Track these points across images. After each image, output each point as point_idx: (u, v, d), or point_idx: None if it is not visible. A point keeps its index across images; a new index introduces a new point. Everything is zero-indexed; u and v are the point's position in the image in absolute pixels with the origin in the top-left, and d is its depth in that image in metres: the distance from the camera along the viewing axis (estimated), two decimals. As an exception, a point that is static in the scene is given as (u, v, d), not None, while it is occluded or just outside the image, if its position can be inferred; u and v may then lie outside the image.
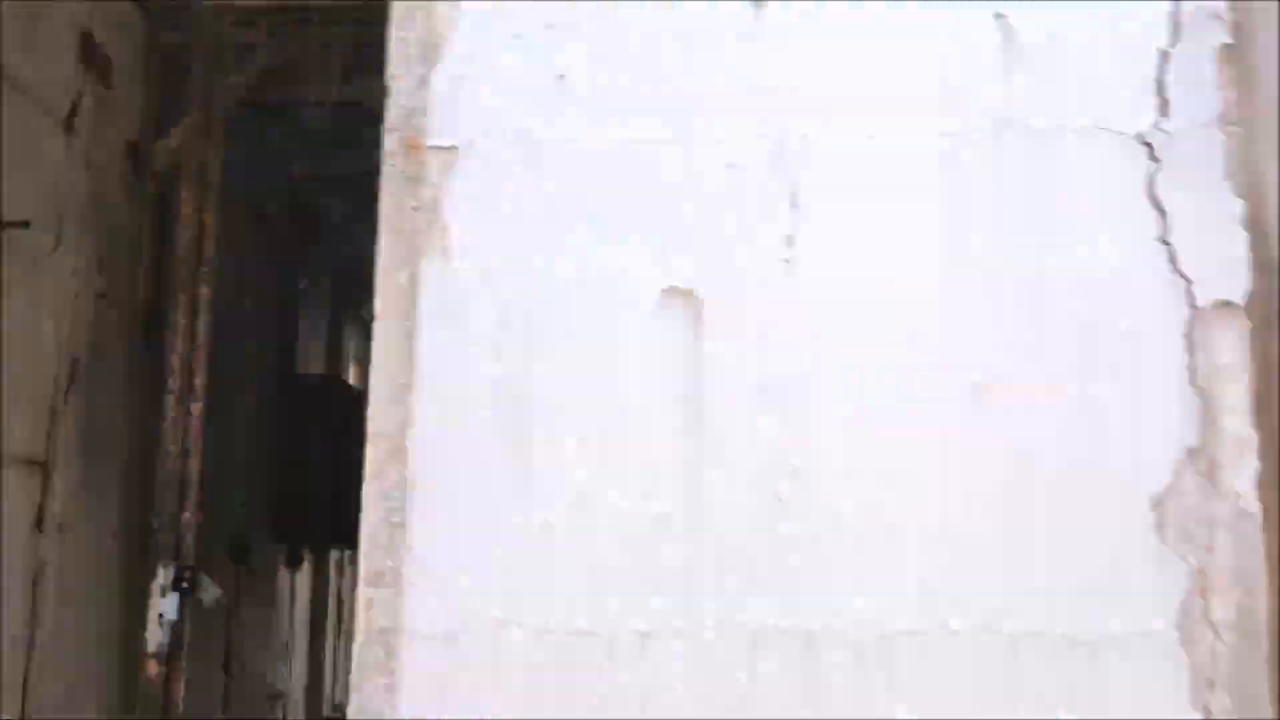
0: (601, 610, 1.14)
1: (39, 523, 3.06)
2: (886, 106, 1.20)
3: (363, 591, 1.15)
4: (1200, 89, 1.18)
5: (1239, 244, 1.15)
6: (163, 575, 2.68)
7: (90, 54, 2.86)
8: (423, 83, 1.21)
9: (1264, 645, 1.09)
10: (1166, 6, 1.19)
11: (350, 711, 1.15)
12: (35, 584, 3.07)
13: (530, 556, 1.15)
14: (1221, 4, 1.19)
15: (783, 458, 1.15)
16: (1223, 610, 1.10)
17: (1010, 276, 1.17)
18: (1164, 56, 1.19)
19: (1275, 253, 1.19)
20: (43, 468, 3.03)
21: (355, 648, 1.15)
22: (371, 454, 1.17)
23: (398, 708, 1.14)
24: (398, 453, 1.17)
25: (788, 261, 1.18)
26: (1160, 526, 1.12)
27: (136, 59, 2.97)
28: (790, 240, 1.19)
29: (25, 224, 2.52)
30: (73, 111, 2.78)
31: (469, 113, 1.21)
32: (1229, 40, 1.18)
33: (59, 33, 2.72)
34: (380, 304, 1.19)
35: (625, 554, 1.15)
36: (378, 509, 1.16)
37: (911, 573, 1.14)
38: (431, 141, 1.20)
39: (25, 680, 3.05)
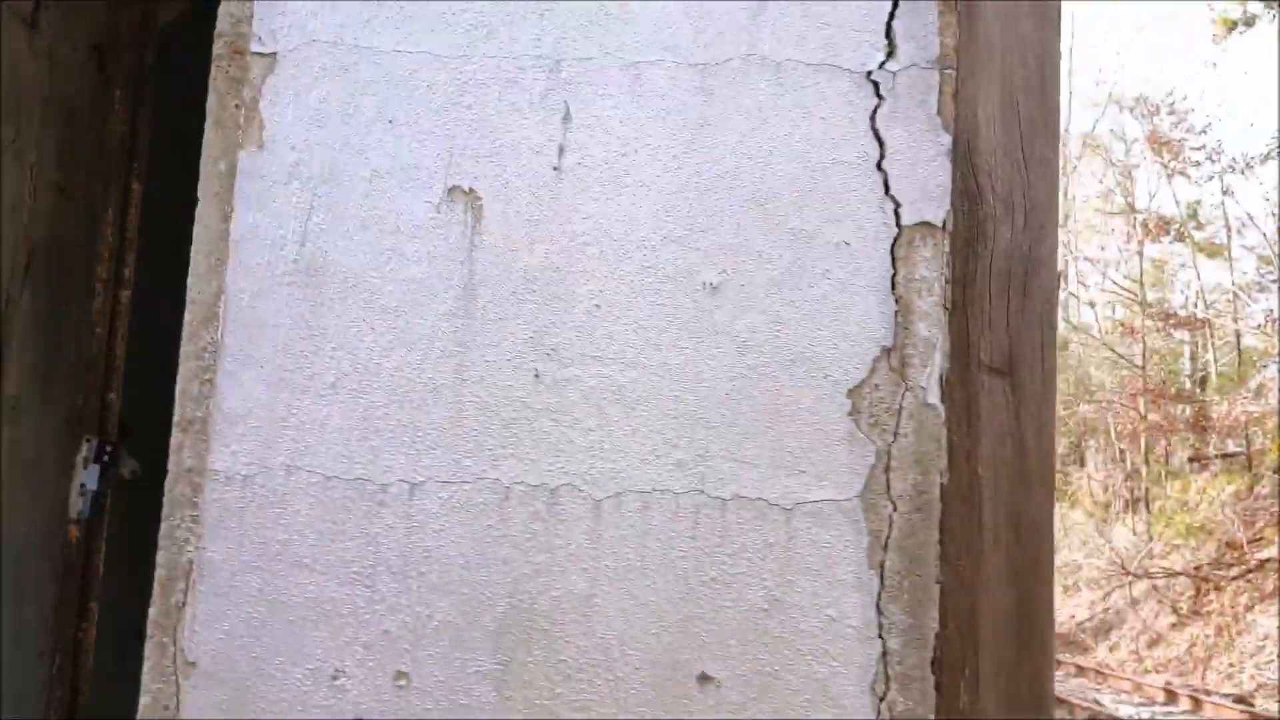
0: (376, 462, 1.33)
1: (-12, 401, 3.30)
2: (652, 43, 1.37)
3: (175, 437, 1.35)
4: (924, 34, 1.35)
5: (943, 174, 1.32)
6: (86, 449, 2.89)
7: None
8: (250, -6, 1.38)
9: (934, 516, 1.29)
10: (902, -41, 1.36)
11: (161, 538, 1.35)
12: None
13: (318, 412, 1.34)
14: (950, -41, 1.35)
15: (540, 339, 1.34)
16: (901, 485, 1.29)
17: (747, 192, 1.35)
18: (895, 4, 1.36)
19: (976, 182, 1.37)
20: (-1, 354, 3.26)
21: (166, 485, 1.35)
22: (188, 318, 1.36)
23: (201, 537, 1.34)
24: (211, 319, 1.36)
25: (556, 169, 1.36)
26: (855, 413, 1.31)
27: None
28: (561, 150, 1.36)
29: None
30: (36, 8, 2.95)
31: (292, 23, 1.38)
32: (954, -8, 1.35)
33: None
34: (202, 188, 1.37)
35: (401, 414, 1.34)
36: (191, 366, 1.35)
37: (644, 442, 1.33)
38: (254, 48, 1.38)
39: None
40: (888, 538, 1.28)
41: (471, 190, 1.36)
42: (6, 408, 3.03)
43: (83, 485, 2.90)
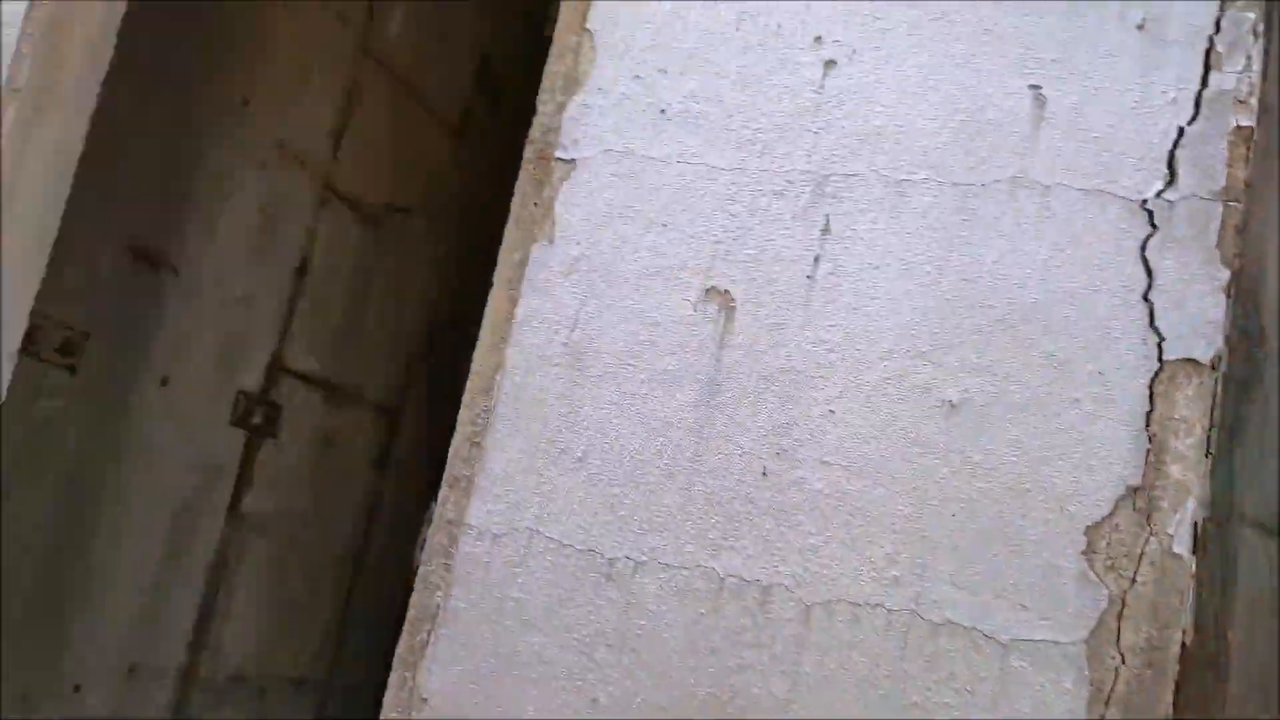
0: (607, 536, 1.41)
1: (381, 462, 3.79)
2: (919, 163, 1.40)
3: (442, 491, 1.50)
4: (1209, 164, 1.27)
5: (1217, 310, 1.23)
6: (431, 507, 3.21)
7: (486, 73, 3.55)
8: (560, 108, 1.55)
9: (1169, 675, 1.17)
10: (1193, 88, 1.30)
11: (416, 581, 1.50)
12: (370, 516, 3.77)
13: (563, 482, 1.44)
14: (1246, 88, 1.27)
15: (773, 438, 1.37)
16: (1133, 637, 1.19)
17: (999, 313, 1.32)
18: (1180, 132, 1.29)
19: (1259, 322, 1.25)
20: (393, 414, 3.76)
21: (429, 533, 1.50)
22: (469, 386, 1.52)
23: (450, 585, 1.47)
24: (488, 389, 1.51)
25: (809, 278, 1.40)
26: (1090, 552, 1.22)
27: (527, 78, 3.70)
28: (816, 260, 1.41)
29: (407, 210, 3.20)
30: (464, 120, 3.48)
31: (592, 135, 1.54)
32: (1246, 122, 1.27)
33: (460, 52, 3.45)
34: (497, 275, 1.54)
35: (635, 494, 1.41)
36: (465, 429, 1.51)
37: (862, 553, 1.31)
38: (558, 155, 1.54)
39: (349, 597, 3.74)
40: (1111, 691, 1.17)
41: (726, 292, 1.43)
42: (391, 467, 3.46)
43: (422, 539, 3.21)
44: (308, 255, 3.66)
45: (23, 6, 1.81)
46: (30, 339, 2.85)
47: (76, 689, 3.22)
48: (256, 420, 3.64)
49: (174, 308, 3.30)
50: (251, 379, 3.63)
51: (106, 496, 3.14)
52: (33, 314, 2.70)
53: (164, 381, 3.36)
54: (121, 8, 1.99)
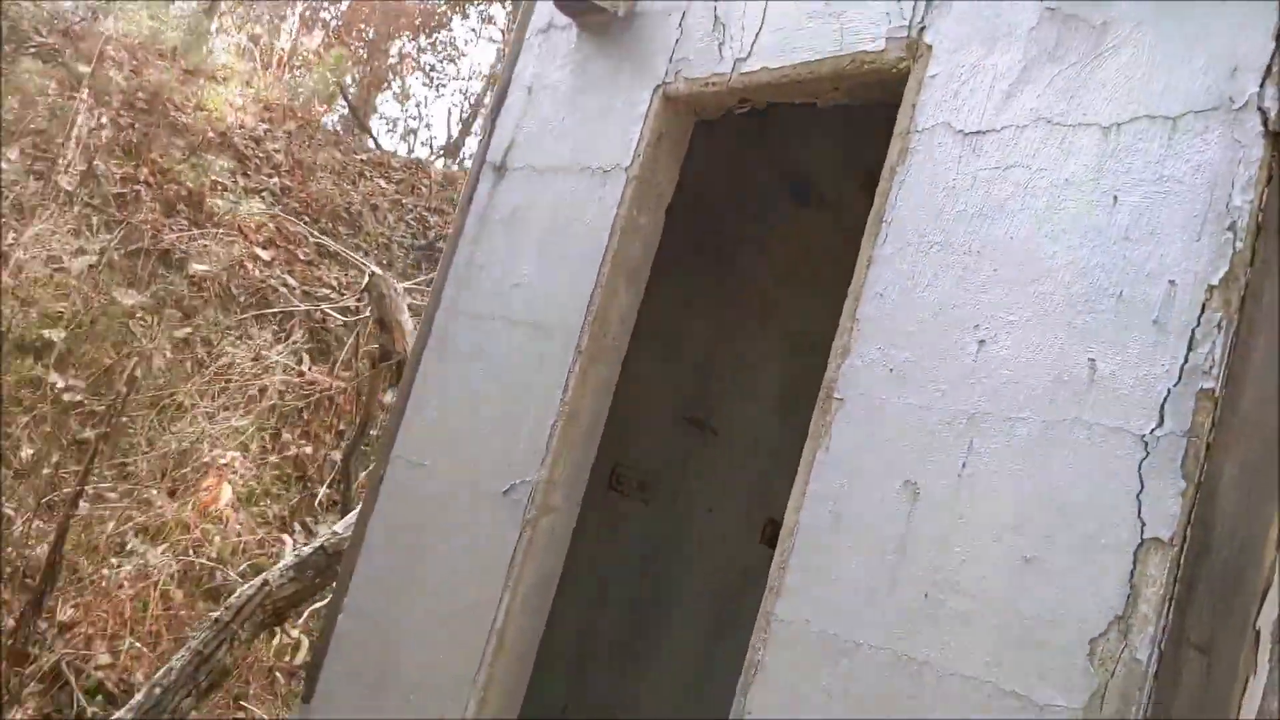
0: (861, 622, 2.39)
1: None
2: (1024, 402, 2.24)
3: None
4: (1184, 413, 1.99)
5: (1176, 508, 1.95)
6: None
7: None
8: (838, 367, 2.60)
9: (1125, 737, 1.90)
10: (1179, 364, 2.03)
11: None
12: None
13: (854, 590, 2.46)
14: (1209, 364, 1.97)
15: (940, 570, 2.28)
16: (1109, 711, 1.94)
17: (1060, 510, 2.13)
18: (1168, 392, 2.02)
19: (1213, 516, 1.93)
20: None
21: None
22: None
23: (767, 645, 2.54)
24: (796, 535, 2.58)
25: (958, 476, 2.30)
26: (1090, 654, 1.99)
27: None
28: (963, 465, 2.30)
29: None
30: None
31: (852, 384, 2.57)
32: (1209, 386, 1.97)
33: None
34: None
35: (867, 575, 2.38)
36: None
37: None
38: (835, 395, 2.59)
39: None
40: (1092, 742, 1.94)
41: (914, 483, 2.37)
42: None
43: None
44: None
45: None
46: (616, 480, 4.37)
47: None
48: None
49: (716, 458, 4.70)
50: (777, 509, 4.90)
51: (667, 591, 4.56)
52: (617, 463, 4.20)
53: (709, 510, 4.77)
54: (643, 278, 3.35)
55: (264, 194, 9.54)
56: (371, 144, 14.21)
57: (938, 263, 2.48)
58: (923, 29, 2.72)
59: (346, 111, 14.58)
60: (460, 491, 3.51)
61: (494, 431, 3.48)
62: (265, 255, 8.49)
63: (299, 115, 11.82)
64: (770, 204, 4.80)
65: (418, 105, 22.85)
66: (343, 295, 8.87)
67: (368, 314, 6.10)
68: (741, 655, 4.88)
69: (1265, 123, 2.05)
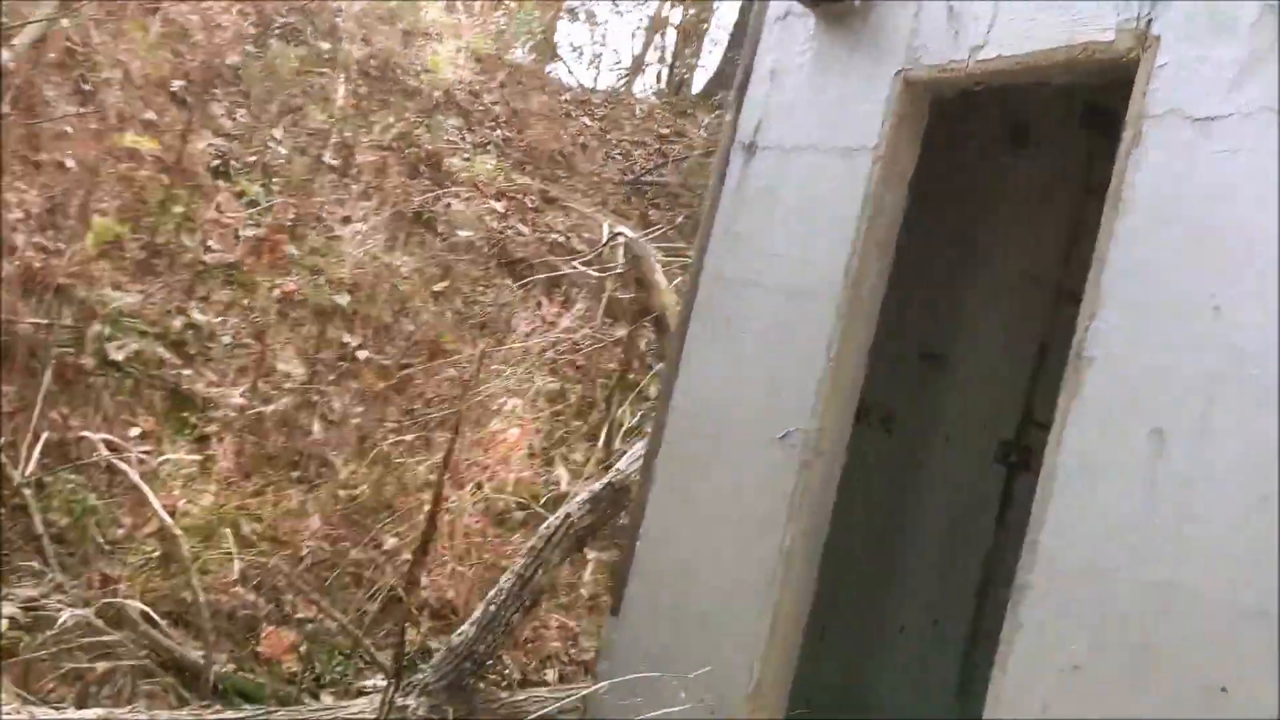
0: (1115, 550, 2.84)
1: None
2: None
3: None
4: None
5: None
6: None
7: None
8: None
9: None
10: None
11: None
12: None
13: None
14: None
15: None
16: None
17: None
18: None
19: None
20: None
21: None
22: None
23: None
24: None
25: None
26: (1323, 577, 2.40)
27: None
28: (1206, 416, 2.70)
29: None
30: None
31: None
32: None
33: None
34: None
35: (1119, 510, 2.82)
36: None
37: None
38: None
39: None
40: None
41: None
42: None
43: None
44: (1046, 341, 5.26)
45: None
46: (862, 414, 4.87)
47: (901, 629, 5.25)
48: (1013, 459, 5.34)
49: (949, 390, 5.15)
50: (1008, 431, 5.34)
51: (908, 513, 5.08)
52: (863, 398, 4.70)
53: (946, 438, 5.24)
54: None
55: (489, 147, 10.26)
56: (568, 76, 14.84)
57: (1172, 237, 2.86)
58: (1150, 21, 3.04)
59: (541, 49, 15.22)
60: (736, 437, 4.08)
61: (761, 384, 4.03)
62: (499, 207, 9.23)
63: (506, 63, 12.49)
64: (989, 147, 5.11)
65: (602, 28, 23.24)
66: (566, 238, 9.57)
67: (616, 270, 6.72)
68: (976, 570, 5.33)
69: None
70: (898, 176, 3.79)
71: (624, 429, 6.14)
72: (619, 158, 12.29)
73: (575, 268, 7.25)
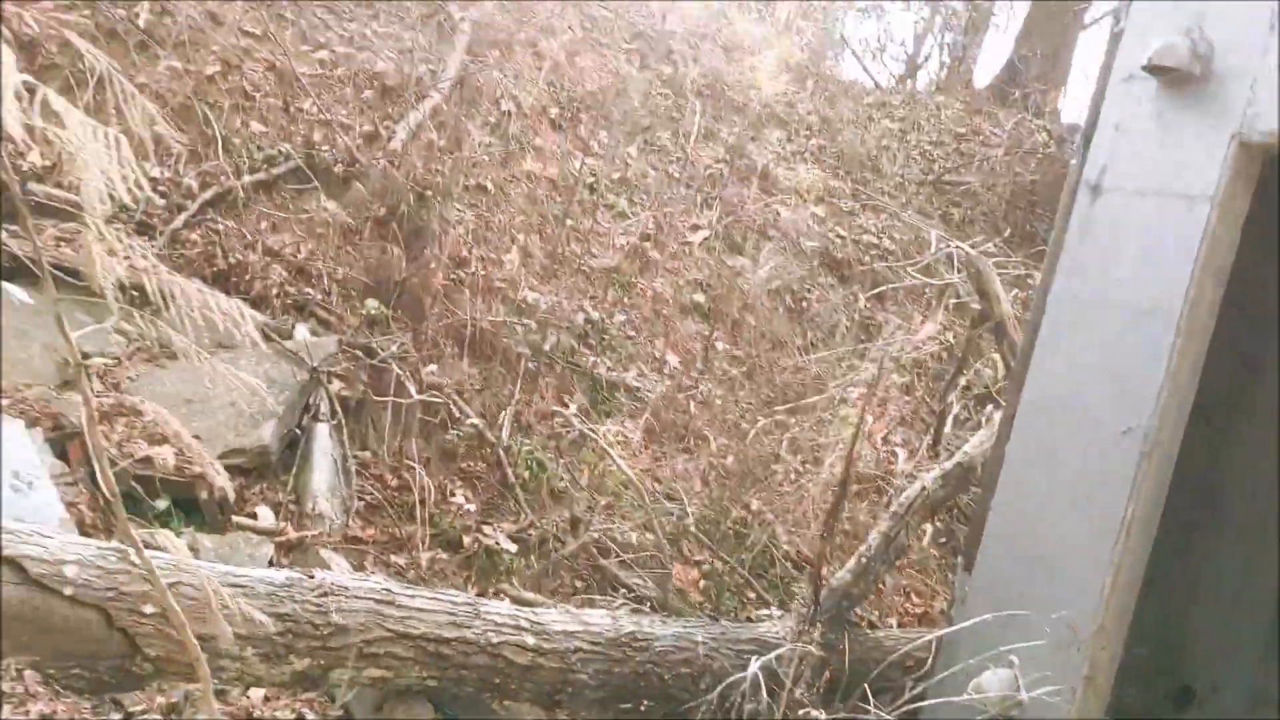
0: None
1: None
2: None
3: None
4: None
5: None
6: None
7: None
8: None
9: None
10: None
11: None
12: None
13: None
14: None
15: None
16: None
17: None
18: None
19: None
20: None
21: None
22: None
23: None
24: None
25: None
26: None
27: None
28: None
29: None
30: None
31: None
32: None
33: None
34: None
35: None
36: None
37: None
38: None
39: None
40: None
41: None
42: None
43: None
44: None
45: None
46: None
47: (1212, 591, 6.01)
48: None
49: (1259, 385, 5.87)
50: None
51: (1220, 491, 5.82)
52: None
53: (1253, 426, 5.93)
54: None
55: (805, 155, 11.36)
56: (860, 73, 15.71)
57: None
58: None
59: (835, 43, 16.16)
60: (1082, 428, 5.01)
61: (1107, 386, 4.94)
62: (820, 212, 10.32)
63: (814, 71, 13.54)
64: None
65: (887, 22, 23.80)
66: (879, 239, 10.55)
67: (955, 279, 7.66)
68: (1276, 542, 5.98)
69: None
70: (1233, 220, 4.62)
71: (953, 419, 7.10)
72: (918, 158, 13.12)
73: (912, 275, 8.23)
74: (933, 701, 5.05)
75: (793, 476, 6.92)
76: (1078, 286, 5.22)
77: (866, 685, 4.97)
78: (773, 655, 4.93)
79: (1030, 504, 5.22)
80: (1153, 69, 4.96)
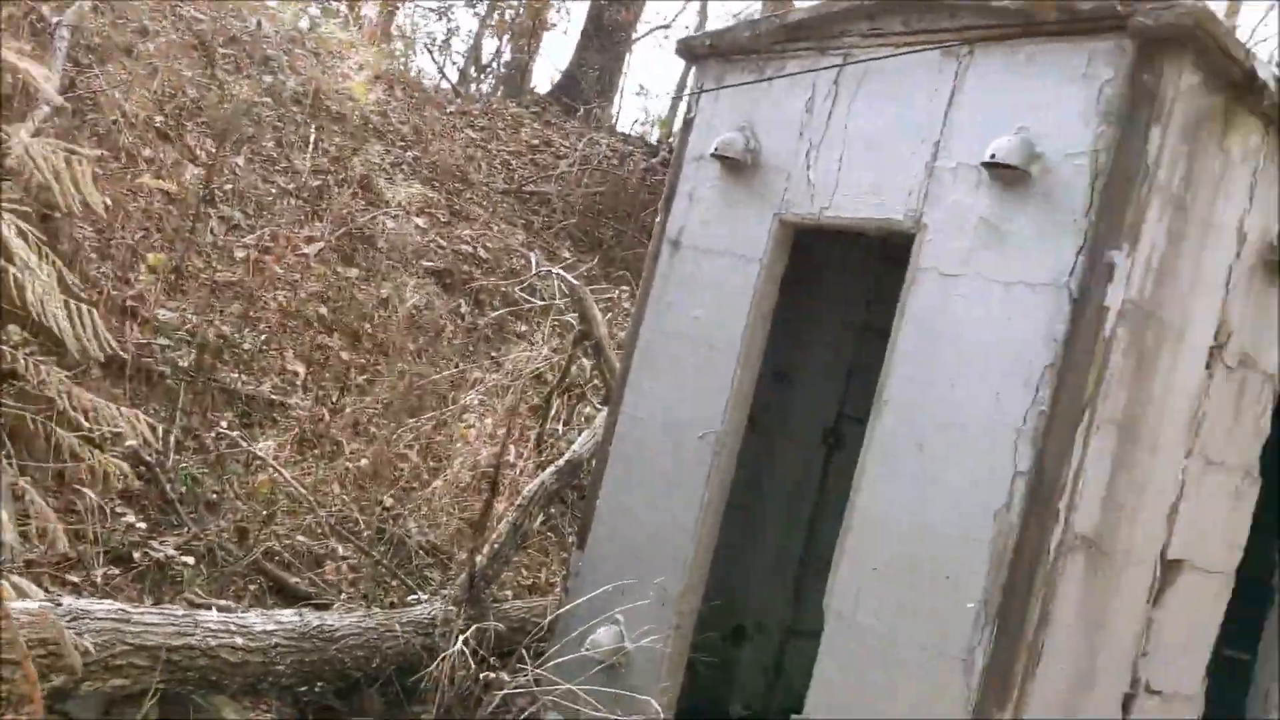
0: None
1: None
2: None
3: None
4: (1031, 420, 4.90)
5: (1026, 459, 4.88)
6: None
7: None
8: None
9: (1005, 549, 4.87)
10: (1031, 398, 4.92)
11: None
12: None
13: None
14: (1041, 400, 4.86)
15: (929, 484, 5.23)
16: (999, 539, 4.89)
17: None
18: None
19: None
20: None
21: (849, 502, 5.53)
22: (860, 463, 5.51)
23: (854, 516, 5.51)
24: (864, 464, 5.52)
25: (941, 441, 5.24)
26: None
27: None
28: (943, 436, 5.24)
29: None
30: None
31: (894, 392, 5.46)
32: (1040, 410, 4.87)
33: None
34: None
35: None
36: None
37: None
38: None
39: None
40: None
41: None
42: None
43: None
44: (853, 363, 7.79)
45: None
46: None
47: (759, 551, 7.73)
48: (831, 441, 7.90)
49: (794, 401, 7.64)
50: (829, 422, 7.86)
51: (766, 478, 7.54)
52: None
53: (788, 431, 7.70)
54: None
55: (403, 166, 12.20)
56: (437, 76, 16.70)
57: (927, 339, 5.35)
58: (922, 214, 5.51)
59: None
60: (668, 434, 6.43)
61: (687, 400, 6.38)
62: (422, 223, 11.23)
63: (400, 80, 14.33)
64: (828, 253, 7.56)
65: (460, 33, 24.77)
66: (474, 248, 11.65)
67: (558, 302, 8.89)
68: (808, 512, 7.85)
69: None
70: (775, 276, 6.20)
71: (558, 421, 8.39)
72: (499, 168, 14.34)
73: (522, 296, 9.40)
74: (558, 661, 6.27)
75: (423, 476, 7.88)
76: (665, 322, 6.65)
77: (522, 648, 6.06)
78: (430, 632, 5.94)
79: (630, 494, 6.59)
80: (717, 156, 6.44)
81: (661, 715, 5.91)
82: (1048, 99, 5.15)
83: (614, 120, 18.98)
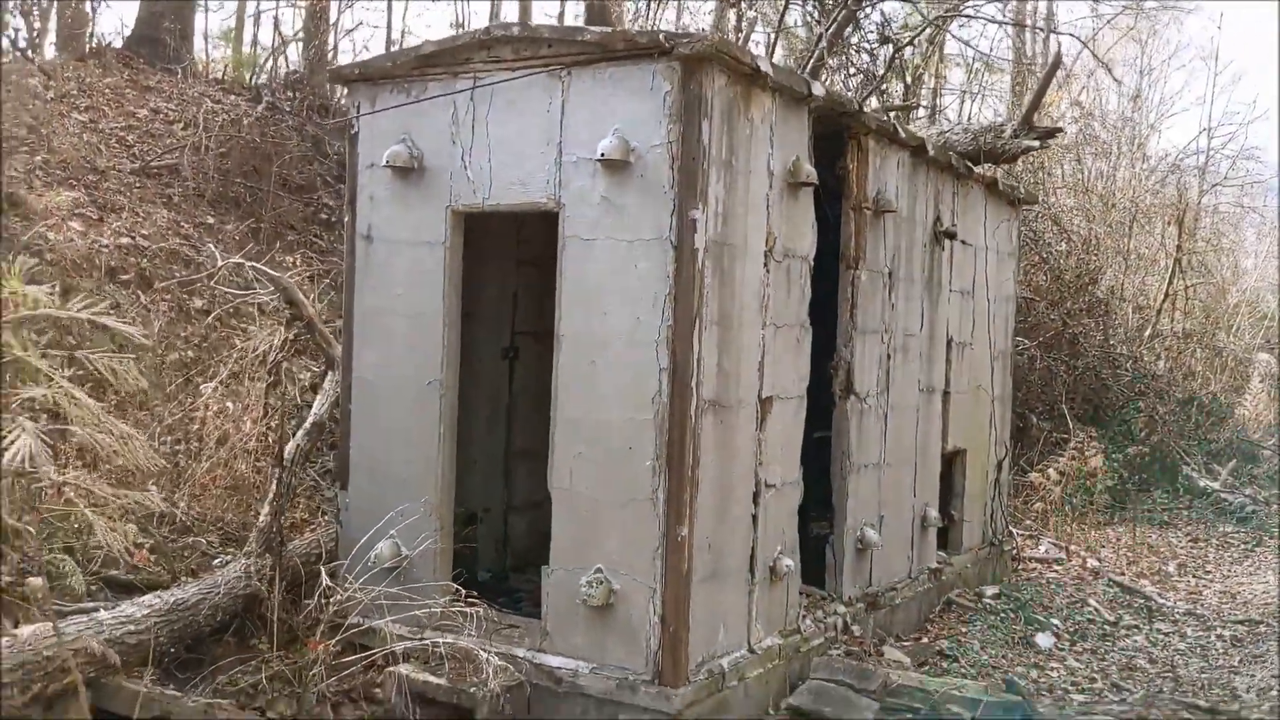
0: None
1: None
2: (621, 332, 7.45)
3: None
4: (663, 333, 7.26)
5: (665, 360, 7.26)
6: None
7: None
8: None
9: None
10: (661, 318, 7.27)
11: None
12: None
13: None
14: (667, 319, 7.21)
15: (604, 388, 7.51)
16: (658, 416, 7.28)
17: (636, 362, 7.39)
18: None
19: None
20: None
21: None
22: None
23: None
24: (556, 382, 7.72)
25: (606, 357, 7.51)
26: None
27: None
28: (607, 353, 7.51)
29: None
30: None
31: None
32: (668, 325, 7.23)
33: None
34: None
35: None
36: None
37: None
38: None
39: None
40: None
41: (594, 360, 7.56)
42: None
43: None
44: (516, 295, 9.92)
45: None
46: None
47: (474, 447, 9.88)
48: (510, 355, 10.06)
49: (477, 330, 9.67)
50: (506, 342, 10.03)
51: (473, 391, 9.60)
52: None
53: (482, 350, 9.81)
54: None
55: (35, 168, 12.66)
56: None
57: (580, 286, 7.54)
58: (560, 197, 7.61)
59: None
60: (399, 386, 8.30)
61: (409, 357, 8.25)
62: (78, 226, 11.95)
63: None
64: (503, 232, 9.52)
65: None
66: (133, 239, 12.49)
67: (267, 295, 10.15)
68: (505, 413, 10.05)
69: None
70: (457, 254, 8.13)
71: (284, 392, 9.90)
72: (117, 147, 14.79)
73: (228, 291, 10.58)
74: (353, 577, 8.11)
75: (177, 456, 9.23)
76: (371, 301, 8.44)
77: (325, 577, 7.84)
78: (250, 582, 7.64)
79: (377, 439, 8.45)
80: (388, 166, 8.19)
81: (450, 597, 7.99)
82: (631, 107, 7.35)
83: (202, 67, 19.32)
